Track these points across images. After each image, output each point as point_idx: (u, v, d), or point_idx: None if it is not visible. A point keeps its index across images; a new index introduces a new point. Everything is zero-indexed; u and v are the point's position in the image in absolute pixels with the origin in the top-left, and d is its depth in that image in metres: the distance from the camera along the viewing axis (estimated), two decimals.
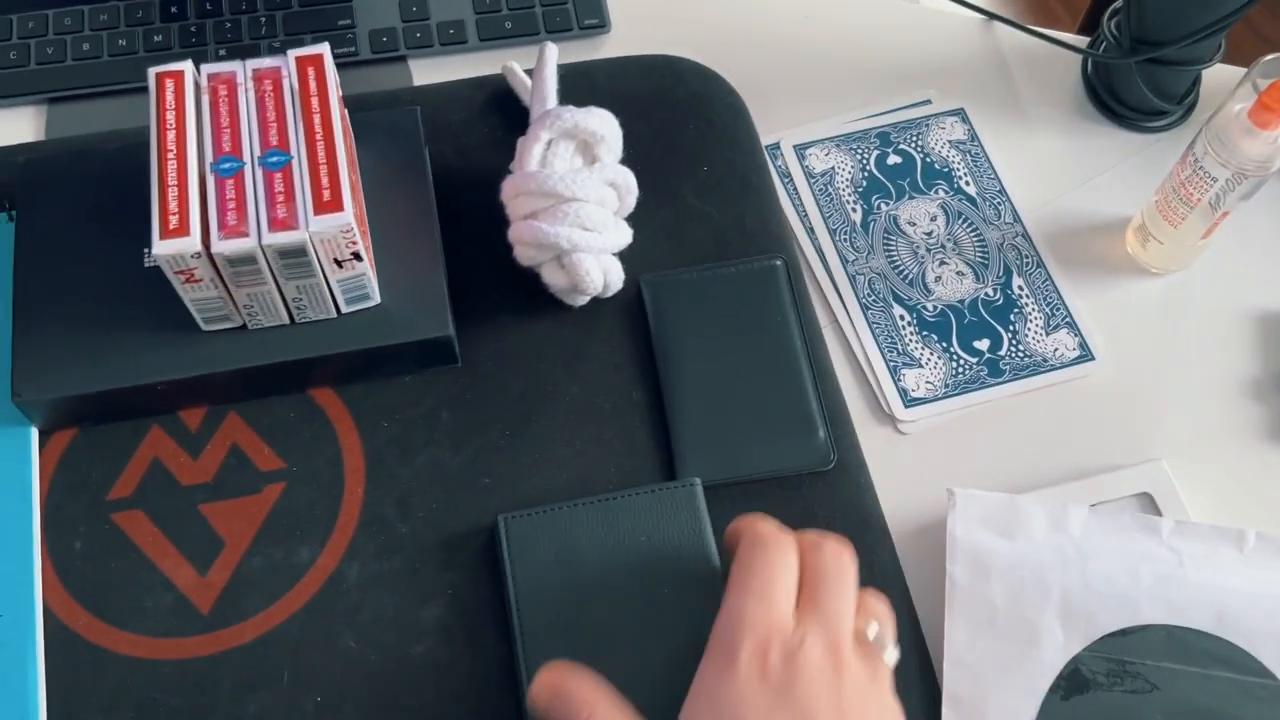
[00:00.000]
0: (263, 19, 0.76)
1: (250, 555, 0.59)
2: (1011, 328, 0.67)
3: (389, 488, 0.60)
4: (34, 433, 0.61)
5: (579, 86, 0.71)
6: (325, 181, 0.55)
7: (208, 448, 0.61)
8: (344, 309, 0.60)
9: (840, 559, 0.51)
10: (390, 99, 0.72)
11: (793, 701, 0.46)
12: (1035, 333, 0.67)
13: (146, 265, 0.62)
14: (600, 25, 0.78)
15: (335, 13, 0.77)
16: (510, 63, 0.72)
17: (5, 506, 0.59)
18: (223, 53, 0.75)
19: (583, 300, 0.65)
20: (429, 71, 0.76)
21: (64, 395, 0.59)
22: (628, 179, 0.63)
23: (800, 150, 0.73)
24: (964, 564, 0.58)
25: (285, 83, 0.58)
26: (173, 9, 0.76)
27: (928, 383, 0.66)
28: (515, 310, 0.66)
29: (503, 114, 0.72)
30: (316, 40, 0.71)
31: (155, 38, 0.75)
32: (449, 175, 0.69)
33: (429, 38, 0.77)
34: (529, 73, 0.71)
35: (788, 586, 0.50)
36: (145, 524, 0.59)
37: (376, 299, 0.61)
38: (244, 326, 0.60)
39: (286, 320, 0.60)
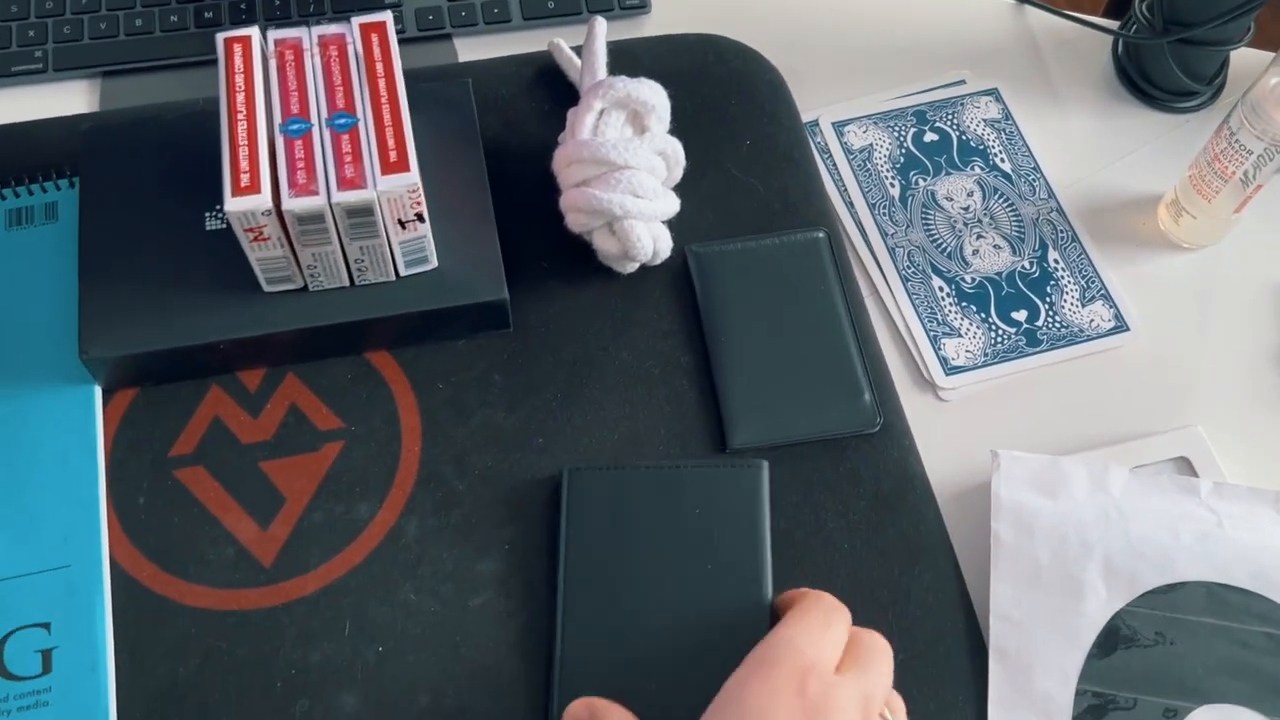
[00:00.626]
0: None
1: (310, 510, 0.60)
2: (1048, 299, 0.69)
3: (445, 446, 0.62)
4: (98, 391, 0.62)
5: (623, 63, 0.73)
6: (391, 143, 0.57)
7: (267, 407, 0.62)
8: (403, 271, 0.61)
9: (884, 644, 0.51)
10: (439, 74, 0.73)
11: None
12: (1071, 304, 0.69)
13: (208, 229, 0.63)
14: (640, 5, 0.79)
15: None
16: (557, 39, 0.74)
17: (72, 462, 0.60)
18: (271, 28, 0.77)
19: (632, 267, 0.66)
20: (473, 50, 0.78)
21: (129, 353, 0.60)
22: (676, 149, 0.65)
23: (839, 127, 0.75)
24: (1008, 522, 0.60)
25: (350, 48, 0.59)
26: None
27: (967, 351, 0.67)
28: (564, 278, 0.67)
29: (549, 89, 0.73)
30: None
31: (206, 14, 0.77)
32: (498, 147, 0.70)
33: (473, 16, 0.78)
34: (575, 50, 0.73)
35: (836, 641, 0.49)
36: (207, 480, 0.60)
37: (434, 263, 0.62)
38: (305, 288, 0.61)
39: (347, 282, 0.61)
